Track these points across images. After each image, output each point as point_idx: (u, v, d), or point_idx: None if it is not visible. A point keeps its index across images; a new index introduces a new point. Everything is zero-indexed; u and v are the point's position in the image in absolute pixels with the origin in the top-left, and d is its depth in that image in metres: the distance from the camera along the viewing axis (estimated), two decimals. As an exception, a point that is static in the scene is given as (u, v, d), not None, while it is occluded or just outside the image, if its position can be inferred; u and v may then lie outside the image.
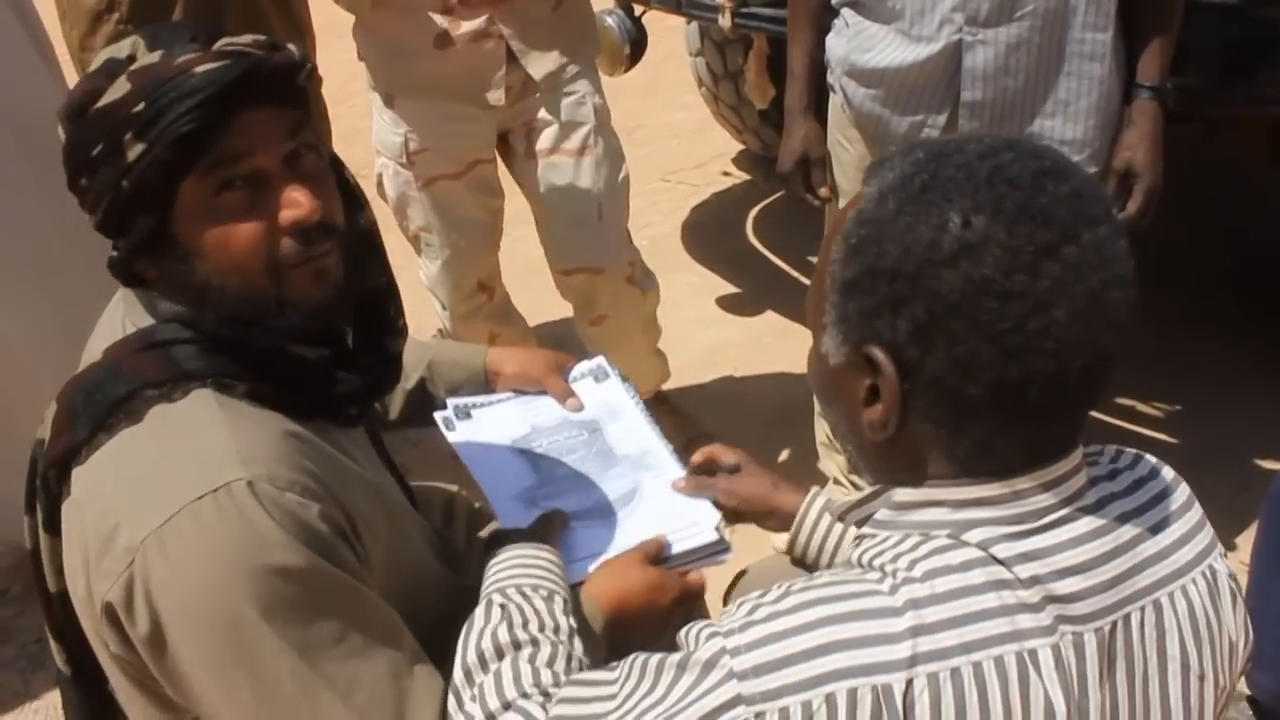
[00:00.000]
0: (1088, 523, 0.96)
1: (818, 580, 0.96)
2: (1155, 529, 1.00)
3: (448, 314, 2.71)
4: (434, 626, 1.35)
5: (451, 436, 1.63)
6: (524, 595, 1.27)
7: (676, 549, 1.48)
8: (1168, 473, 1.07)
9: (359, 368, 1.31)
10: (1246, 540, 2.46)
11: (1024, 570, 0.93)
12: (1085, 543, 0.95)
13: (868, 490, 1.05)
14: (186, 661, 1.14)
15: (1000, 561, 0.93)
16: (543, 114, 2.46)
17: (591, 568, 1.44)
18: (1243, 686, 2.12)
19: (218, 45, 1.18)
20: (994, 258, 0.88)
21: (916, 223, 0.91)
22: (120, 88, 1.15)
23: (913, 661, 0.90)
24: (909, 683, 0.89)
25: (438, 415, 1.66)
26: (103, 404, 1.18)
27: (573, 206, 2.50)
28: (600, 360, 1.84)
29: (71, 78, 2.37)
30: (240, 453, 1.15)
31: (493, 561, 1.35)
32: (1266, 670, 2.03)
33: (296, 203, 1.20)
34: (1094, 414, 2.92)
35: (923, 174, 0.93)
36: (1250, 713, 2.13)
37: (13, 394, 2.26)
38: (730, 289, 3.72)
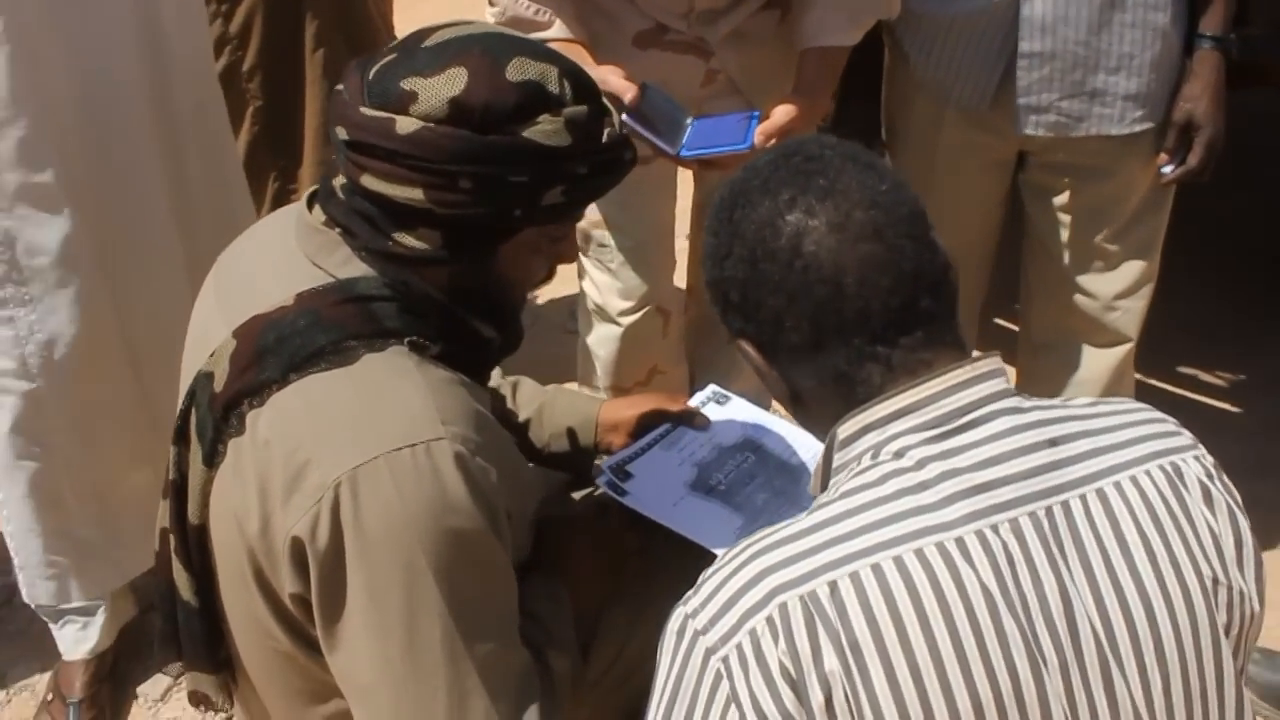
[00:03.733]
0: (1006, 421, 1.04)
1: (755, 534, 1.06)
2: (1090, 430, 1.07)
3: (615, 337, 2.27)
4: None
5: (629, 501, 1.59)
6: None
7: None
8: (1131, 401, 1.15)
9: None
10: (1316, 504, 2.41)
11: (939, 467, 1.01)
12: (1003, 438, 1.03)
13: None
14: (352, 596, 1.19)
15: (915, 464, 1.02)
16: None
17: None
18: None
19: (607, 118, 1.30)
20: (751, 232, 1.08)
21: (707, 236, 1.14)
22: (560, 135, 1.23)
23: (831, 566, 0.98)
24: (833, 585, 0.97)
25: (600, 481, 1.63)
26: (303, 349, 1.23)
27: None
28: (712, 387, 1.83)
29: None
30: (440, 411, 1.20)
31: None
32: None
33: (574, 251, 1.41)
34: (1156, 383, 2.83)
35: (718, 199, 1.14)
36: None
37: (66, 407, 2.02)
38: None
